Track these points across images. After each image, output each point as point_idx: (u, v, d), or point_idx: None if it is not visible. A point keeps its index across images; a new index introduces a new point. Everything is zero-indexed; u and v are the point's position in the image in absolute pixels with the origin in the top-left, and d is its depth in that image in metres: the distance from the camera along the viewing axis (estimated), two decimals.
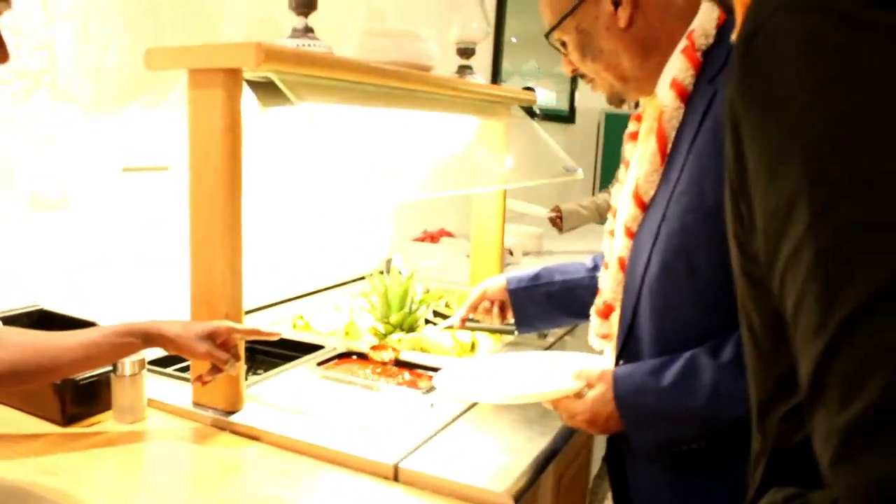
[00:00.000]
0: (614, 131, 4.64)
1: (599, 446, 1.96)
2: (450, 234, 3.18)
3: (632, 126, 1.41)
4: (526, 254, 3.38)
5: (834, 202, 0.47)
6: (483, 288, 1.79)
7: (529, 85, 4.52)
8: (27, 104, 1.66)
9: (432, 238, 3.09)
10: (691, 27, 1.19)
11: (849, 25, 0.50)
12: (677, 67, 1.19)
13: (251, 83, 1.49)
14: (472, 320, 1.84)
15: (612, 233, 1.38)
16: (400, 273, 2.15)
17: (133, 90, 1.87)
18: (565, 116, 5.61)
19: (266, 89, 1.51)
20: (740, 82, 0.56)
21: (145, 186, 1.88)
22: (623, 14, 1.18)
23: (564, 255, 3.48)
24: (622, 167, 1.41)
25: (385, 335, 1.99)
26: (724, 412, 1.10)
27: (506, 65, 4.28)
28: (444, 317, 2.09)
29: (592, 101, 6.17)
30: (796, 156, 0.50)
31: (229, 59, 1.39)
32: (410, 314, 2.05)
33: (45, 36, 1.69)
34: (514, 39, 4.32)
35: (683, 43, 1.19)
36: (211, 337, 1.36)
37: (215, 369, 1.39)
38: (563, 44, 1.28)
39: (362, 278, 2.71)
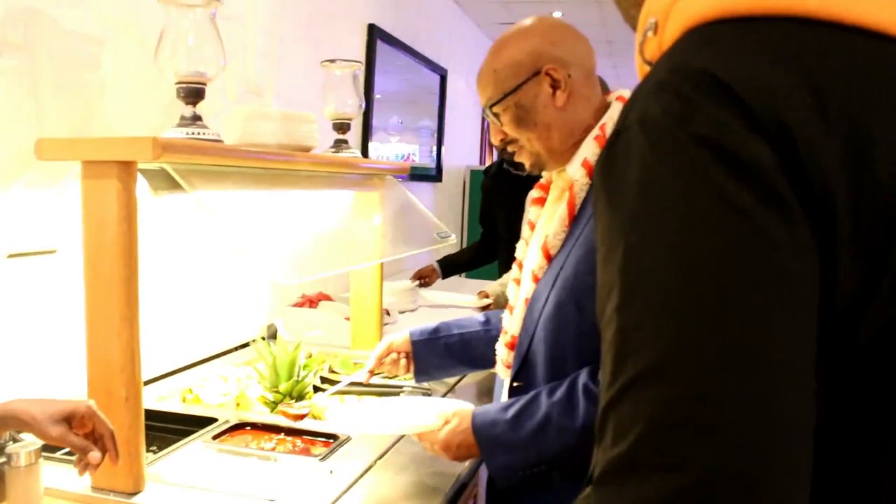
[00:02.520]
0: (477, 187, 4.88)
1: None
2: (328, 298, 3.26)
3: (536, 193, 1.69)
4: (402, 312, 3.50)
5: (632, 299, 0.62)
6: (389, 341, 1.93)
7: (393, 139, 4.81)
8: None
9: (311, 302, 3.16)
10: (603, 120, 1.51)
11: (678, 155, 0.63)
12: (589, 150, 1.49)
13: (143, 171, 1.55)
14: (376, 374, 1.96)
15: (517, 281, 1.65)
16: (286, 341, 2.22)
17: (14, 172, 1.88)
18: (433, 175, 5.80)
19: (158, 177, 1.58)
20: (601, 171, 0.70)
21: (31, 270, 1.89)
22: (561, 96, 1.47)
23: (437, 308, 3.65)
24: (526, 226, 1.68)
25: (275, 404, 2.05)
26: (551, 441, 1.39)
27: (374, 121, 4.44)
28: (332, 382, 2.17)
29: (458, 159, 6.42)
30: (620, 250, 0.64)
31: (125, 152, 1.46)
32: (299, 382, 2.12)
33: None
34: (378, 96, 4.48)
35: (595, 132, 1.50)
36: (68, 419, 1.29)
37: (81, 456, 1.31)
38: (497, 116, 1.53)
39: (245, 345, 2.76)
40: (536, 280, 1.53)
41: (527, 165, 1.59)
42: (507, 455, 1.43)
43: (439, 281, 4.09)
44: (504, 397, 1.61)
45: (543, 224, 1.60)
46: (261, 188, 1.82)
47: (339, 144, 2.48)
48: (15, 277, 1.85)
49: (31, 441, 1.46)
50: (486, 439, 1.45)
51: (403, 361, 1.93)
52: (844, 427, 0.62)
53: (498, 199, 3.93)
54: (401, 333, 1.94)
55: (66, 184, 1.88)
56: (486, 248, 4.15)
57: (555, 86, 1.47)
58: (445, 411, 1.53)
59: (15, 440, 1.50)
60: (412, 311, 3.64)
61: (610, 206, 0.67)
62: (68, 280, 1.98)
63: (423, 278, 4.00)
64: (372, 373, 1.94)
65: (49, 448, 1.65)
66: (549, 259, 1.51)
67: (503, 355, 1.63)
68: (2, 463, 1.46)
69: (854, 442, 0.62)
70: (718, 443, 0.56)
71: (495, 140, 1.60)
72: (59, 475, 1.58)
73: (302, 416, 1.88)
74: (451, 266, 4.13)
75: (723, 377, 0.57)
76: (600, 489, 0.61)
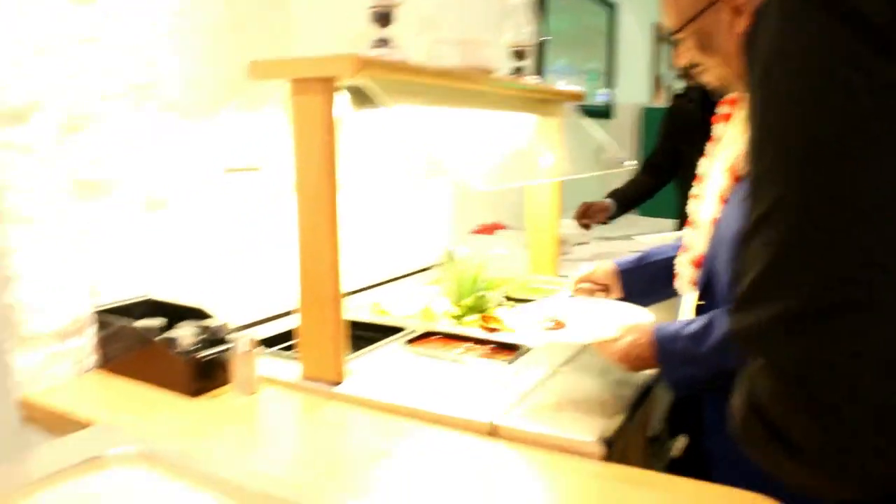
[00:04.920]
0: (653, 125, 4.77)
1: None
2: (504, 227, 3.34)
3: (724, 109, 1.67)
4: (578, 244, 3.54)
5: (764, 148, 0.72)
6: (590, 270, 1.96)
7: (562, 81, 4.72)
8: (138, 114, 1.86)
9: (488, 230, 3.25)
10: None
11: (809, 19, 0.68)
12: None
13: (343, 88, 1.66)
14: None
15: (699, 196, 1.66)
16: (469, 260, 2.32)
17: (224, 98, 2.06)
18: (603, 112, 5.75)
19: (356, 94, 1.69)
20: (745, 44, 0.76)
21: (240, 185, 2.08)
22: (742, 22, 1.42)
23: (615, 241, 3.66)
24: (711, 143, 1.68)
25: (460, 317, 2.16)
26: (732, 357, 1.34)
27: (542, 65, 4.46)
28: (515, 300, 2.26)
29: (629, 97, 6.30)
30: (757, 106, 0.73)
31: (328, 69, 1.57)
32: (482, 297, 2.21)
33: (151, 53, 1.88)
34: (549, 38, 4.49)
35: None
36: None
37: None
38: (679, 42, 1.53)
39: (425, 269, 2.89)
40: (724, 201, 1.52)
41: (713, 86, 1.58)
42: (687, 368, 1.46)
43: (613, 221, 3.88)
44: (686, 315, 1.63)
45: (730, 142, 1.59)
46: (447, 106, 1.91)
47: (518, 71, 2.53)
48: (229, 191, 2.05)
49: (249, 333, 1.65)
50: (665, 353, 1.48)
51: (600, 295, 1.96)
52: None
53: (683, 130, 3.78)
54: (604, 263, 1.98)
55: (267, 109, 2.06)
56: (656, 182, 3.97)
57: (735, 11, 1.44)
58: (626, 324, 1.58)
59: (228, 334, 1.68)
60: (586, 243, 3.67)
61: (751, 70, 0.74)
62: (271, 194, 2.17)
63: (588, 218, 3.75)
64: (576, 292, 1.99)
65: (266, 342, 1.85)
66: (737, 180, 1.50)
67: (687, 273, 1.64)
68: (227, 350, 1.64)
69: None
70: (824, 276, 0.65)
71: (679, 63, 1.59)
72: (274, 366, 1.75)
73: (492, 327, 1.99)
74: (626, 201, 3.95)
75: (833, 221, 0.65)
76: (732, 316, 0.74)
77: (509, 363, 1.78)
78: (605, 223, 3.78)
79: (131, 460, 1.30)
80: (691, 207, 1.69)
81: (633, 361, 1.53)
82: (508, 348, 1.92)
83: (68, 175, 1.72)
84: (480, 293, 2.25)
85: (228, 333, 1.70)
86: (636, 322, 1.60)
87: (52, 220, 1.69)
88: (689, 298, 1.65)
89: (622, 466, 1.36)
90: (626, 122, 6.30)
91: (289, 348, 1.85)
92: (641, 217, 4.61)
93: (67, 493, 1.20)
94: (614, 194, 3.81)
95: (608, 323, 1.64)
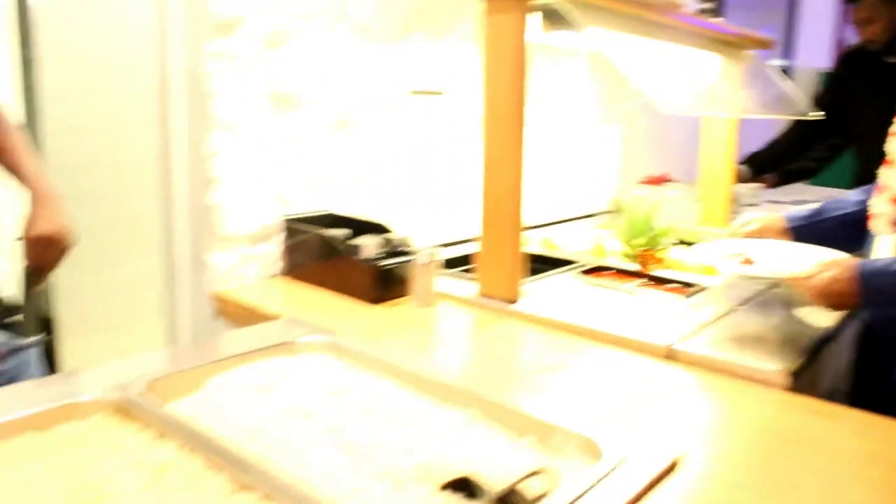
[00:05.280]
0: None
1: None
2: (672, 180, 3.26)
3: None
4: (748, 204, 3.40)
5: None
6: (763, 221, 1.88)
7: None
8: (331, 35, 1.92)
9: (656, 182, 3.18)
10: None
11: None
12: None
13: (536, 8, 1.66)
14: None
15: None
16: (643, 200, 2.28)
17: (412, 24, 2.09)
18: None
19: (548, 15, 1.69)
20: None
21: (421, 108, 2.12)
22: None
23: (786, 206, 3.49)
24: None
25: (631, 256, 2.13)
26: None
27: None
28: (687, 243, 2.21)
29: (807, 61, 5.98)
30: None
31: None
32: (654, 238, 2.17)
33: None
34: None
35: None
36: None
37: None
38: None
39: (591, 216, 2.87)
40: None
41: (879, 41, 1.48)
42: (893, 307, 1.39)
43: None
44: (883, 253, 1.55)
45: None
46: (635, 35, 1.87)
47: (704, 12, 2.45)
48: (413, 114, 2.10)
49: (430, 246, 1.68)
50: (870, 289, 1.39)
51: None
52: None
53: (854, 90, 3.52)
54: (775, 217, 1.90)
55: (452, 37, 2.08)
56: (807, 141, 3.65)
57: None
58: (824, 260, 1.50)
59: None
60: (756, 205, 3.52)
61: None
62: (452, 119, 2.20)
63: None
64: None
65: (444, 264, 1.89)
66: None
67: (886, 212, 1.55)
68: (409, 261, 1.68)
69: None
70: None
71: (859, 17, 1.49)
72: (451, 284, 1.79)
73: (660, 260, 1.96)
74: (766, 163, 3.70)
75: None
76: None
77: (686, 297, 1.75)
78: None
79: (320, 348, 1.36)
80: (889, 146, 1.60)
81: (832, 298, 1.44)
82: (684, 285, 1.88)
83: (267, 88, 1.80)
84: (653, 234, 2.20)
85: (409, 247, 1.74)
86: (835, 258, 1.51)
87: (251, 130, 1.78)
88: (887, 239, 1.57)
89: (806, 398, 1.31)
90: (803, 88, 5.98)
91: (465, 272, 1.88)
92: (813, 186, 4.38)
93: (263, 368, 1.27)
94: (751, 159, 3.56)
95: (800, 260, 1.58)
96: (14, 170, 1.40)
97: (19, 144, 1.41)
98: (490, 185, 1.67)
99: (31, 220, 1.35)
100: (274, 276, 1.86)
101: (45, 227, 1.34)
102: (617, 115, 3.14)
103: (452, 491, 0.92)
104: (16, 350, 1.31)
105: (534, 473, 0.91)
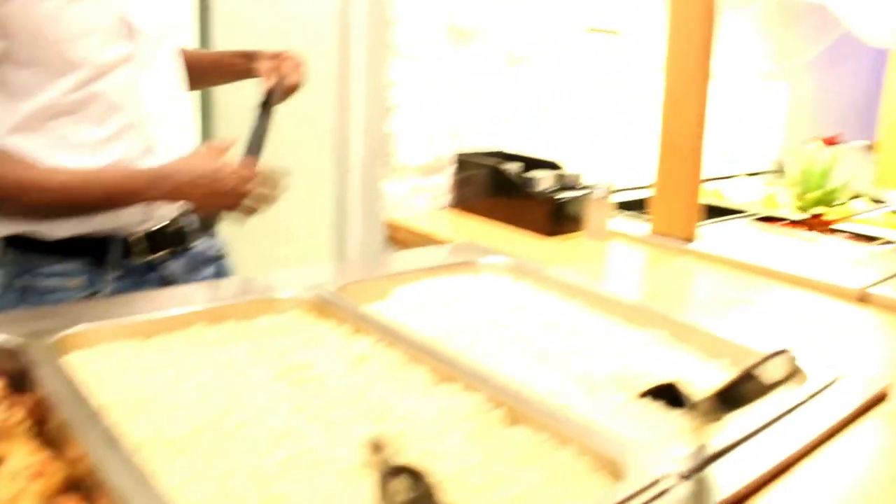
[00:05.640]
0: None
1: None
2: (843, 141, 3.10)
3: None
4: None
5: None
6: None
7: None
8: None
9: (828, 142, 3.03)
10: None
11: None
12: None
13: None
14: None
15: None
16: (819, 154, 2.18)
17: None
18: None
19: None
20: None
21: (596, 47, 2.09)
22: None
23: None
24: None
25: (804, 209, 2.04)
26: None
27: None
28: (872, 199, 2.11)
29: None
30: None
31: None
32: (831, 192, 2.07)
33: None
34: None
35: None
36: None
37: None
38: None
39: (756, 174, 2.76)
40: None
41: None
42: None
43: None
44: None
45: None
46: None
47: None
48: (588, 53, 2.07)
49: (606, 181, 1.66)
50: None
51: None
52: None
53: None
54: None
55: None
56: None
57: None
58: None
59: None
60: None
61: None
62: (628, 60, 2.16)
63: None
64: None
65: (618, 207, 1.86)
66: None
67: None
68: (584, 195, 1.67)
69: None
70: None
71: None
72: (623, 224, 1.76)
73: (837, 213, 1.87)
74: None
75: None
76: None
77: (872, 246, 1.66)
78: None
79: (501, 269, 1.37)
80: None
81: None
82: (865, 238, 1.78)
83: (446, 19, 1.81)
84: (828, 189, 2.10)
85: (582, 183, 1.72)
86: None
87: (428, 61, 1.79)
88: None
89: None
90: None
91: (637, 214, 1.85)
92: None
93: (446, 283, 1.28)
94: None
95: None
96: (234, 66, 1.43)
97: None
98: (670, 120, 1.62)
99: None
100: (443, 208, 1.88)
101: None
102: (784, 71, 3.00)
103: (652, 398, 0.91)
104: (219, 258, 1.38)
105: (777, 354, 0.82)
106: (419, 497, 0.54)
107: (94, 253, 1.18)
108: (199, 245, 1.31)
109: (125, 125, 1.16)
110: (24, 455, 0.75)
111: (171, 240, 1.25)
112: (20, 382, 0.87)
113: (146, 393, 0.86)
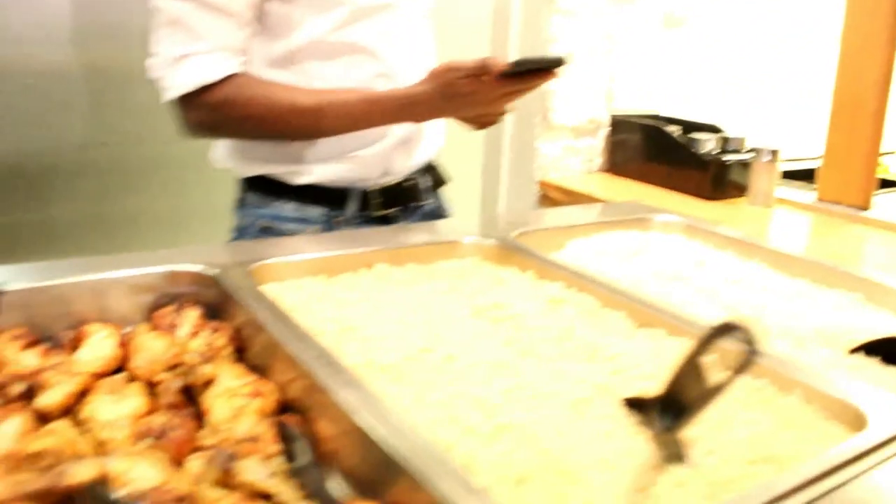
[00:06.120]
0: None
1: None
2: None
3: None
4: None
5: None
6: None
7: None
8: None
9: None
10: None
11: None
12: None
13: None
14: None
15: None
16: None
17: None
18: None
19: None
20: None
21: (757, 10, 2.01)
22: None
23: None
24: None
25: None
26: None
27: None
28: None
29: None
30: None
31: None
32: None
33: None
34: None
35: None
36: None
37: None
38: None
39: None
40: None
41: None
42: None
43: None
44: None
45: None
46: None
47: None
48: (751, 15, 2.00)
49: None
50: None
51: None
52: None
53: None
54: None
55: None
56: None
57: None
58: None
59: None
60: None
61: None
62: (796, 25, 2.07)
63: None
64: None
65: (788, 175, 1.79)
66: None
67: None
68: (749, 160, 1.61)
69: None
70: None
71: None
72: (787, 192, 1.69)
73: None
74: None
75: None
76: None
77: None
78: None
79: (673, 227, 1.33)
80: None
81: None
82: None
83: None
84: None
85: (746, 147, 1.67)
86: None
87: (587, 19, 1.76)
88: None
89: None
90: None
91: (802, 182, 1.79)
92: None
93: (620, 238, 1.26)
94: None
95: None
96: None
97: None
98: (844, 80, 1.55)
99: None
100: (595, 171, 1.86)
101: None
102: None
103: (865, 354, 0.87)
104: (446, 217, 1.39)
105: None
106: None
107: (333, 202, 1.22)
108: (431, 203, 1.33)
109: (377, 74, 1.17)
110: (234, 377, 0.76)
111: (406, 195, 1.28)
112: (214, 312, 0.89)
113: (347, 323, 0.87)
